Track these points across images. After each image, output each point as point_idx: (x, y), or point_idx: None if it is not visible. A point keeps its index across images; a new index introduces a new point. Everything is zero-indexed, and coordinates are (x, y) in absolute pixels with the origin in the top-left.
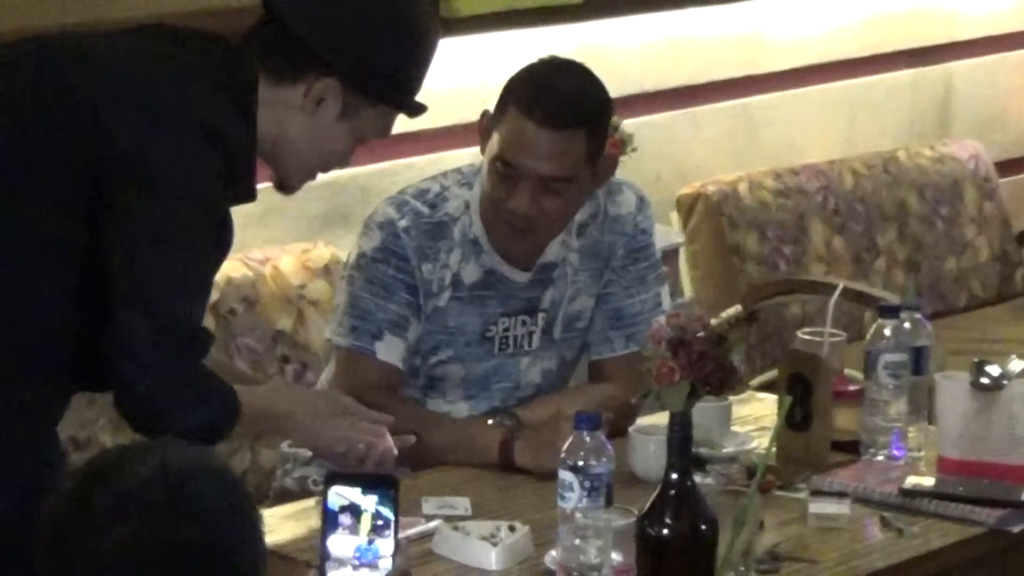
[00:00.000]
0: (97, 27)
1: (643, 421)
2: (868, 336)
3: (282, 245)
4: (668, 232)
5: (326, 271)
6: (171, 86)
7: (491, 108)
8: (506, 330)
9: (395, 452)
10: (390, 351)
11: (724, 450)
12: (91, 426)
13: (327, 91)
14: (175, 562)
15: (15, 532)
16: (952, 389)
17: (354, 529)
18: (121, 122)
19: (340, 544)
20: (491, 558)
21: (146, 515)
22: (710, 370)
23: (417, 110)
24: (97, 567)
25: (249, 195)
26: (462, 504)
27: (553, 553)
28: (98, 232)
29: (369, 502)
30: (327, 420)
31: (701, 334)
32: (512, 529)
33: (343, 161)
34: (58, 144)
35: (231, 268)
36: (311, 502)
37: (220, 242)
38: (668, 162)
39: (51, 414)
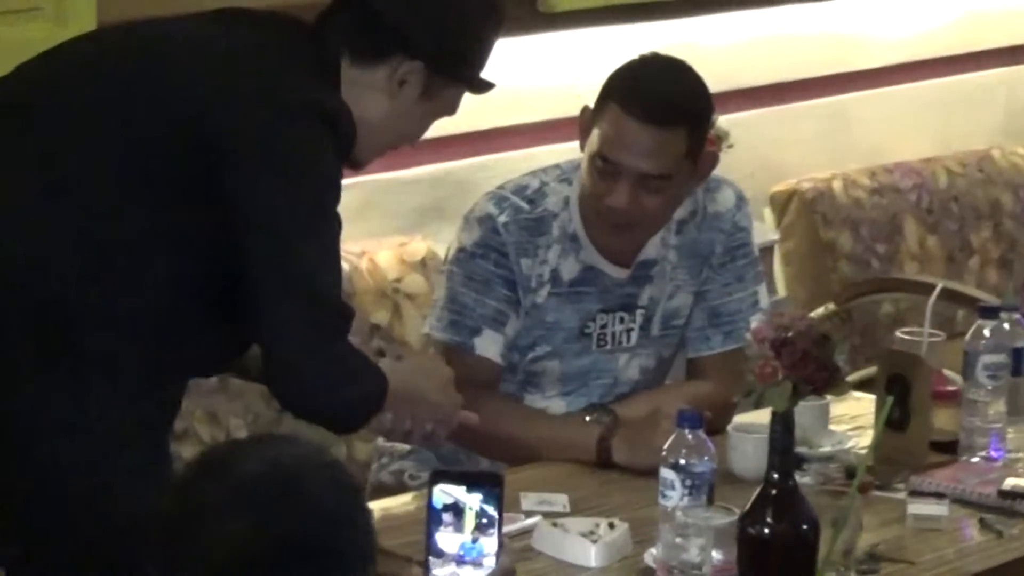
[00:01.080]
0: None
1: (741, 419)
2: (967, 337)
3: (379, 238)
4: (762, 229)
5: (422, 265)
6: (279, 74)
7: (589, 104)
8: (604, 327)
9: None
10: (488, 346)
11: (821, 449)
12: (188, 417)
13: (410, 73)
14: (286, 559)
15: (144, 519)
16: None
17: (458, 526)
18: (235, 111)
19: (445, 541)
20: (590, 555)
21: (258, 511)
22: (813, 370)
23: (486, 87)
24: (208, 562)
25: (356, 163)
26: (560, 500)
27: (653, 551)
28: (220, 224)
29: (474, 500)
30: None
31: (804, 333)
32: (611, 526)
33: (416, 139)
34: (172, 141)
35: None
36: (408, 496)
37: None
38: (762, 159)
39: (177, 408)
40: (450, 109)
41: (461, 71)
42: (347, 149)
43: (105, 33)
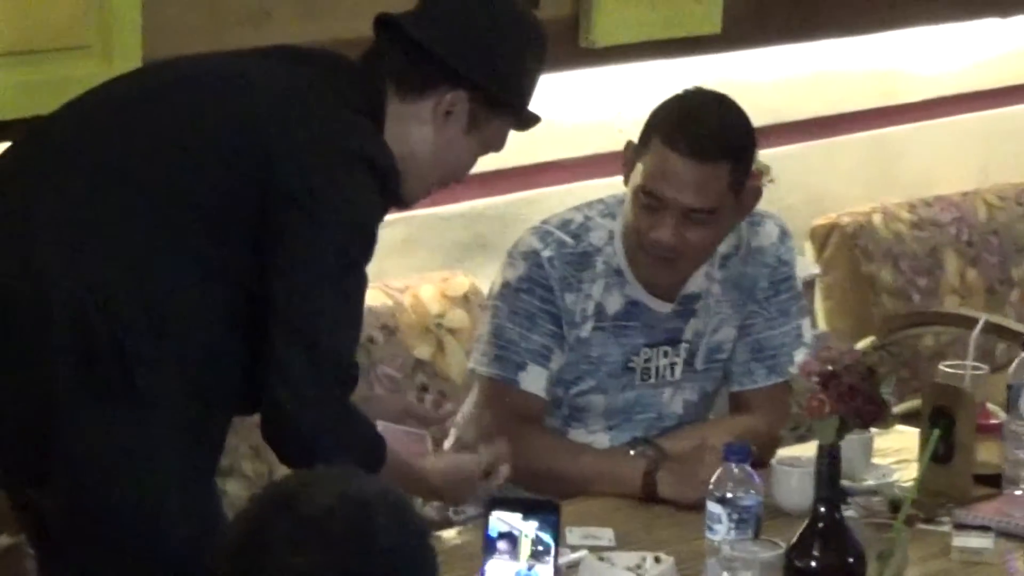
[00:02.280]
0: None
1: (784, 452)
2: (1011, 369)
3: (421, 273)
4: (803, 263)
5: (465, 300)
6: (330, 118)
7: (631, 138)
8: (648, 361)
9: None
10: (533, 381)
11: (865, 483)
12: (233, 453)
13: (456, 103)
14: None
15: (193, 559)
16: None
17: (513, 554)
18: (288, 155)
19: (500, 569)
20: None
21: (325, 546)
22: (860, 403)
23: (532, 121)
24: None
25: (401, 202)
26: (606, 535)
27: None
28: (261, 261)
29: (530, 527)
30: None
31: (851, 367)
32: (658, 560)
33: (463, 175)
34: (229, 177)
35: (371, 297)
36: (453, 531)
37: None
38: (803, 193)
39: (222, 442)
40: (497, 143)
41: (506, 101)
42: (391, 189)
43: (154, 69)
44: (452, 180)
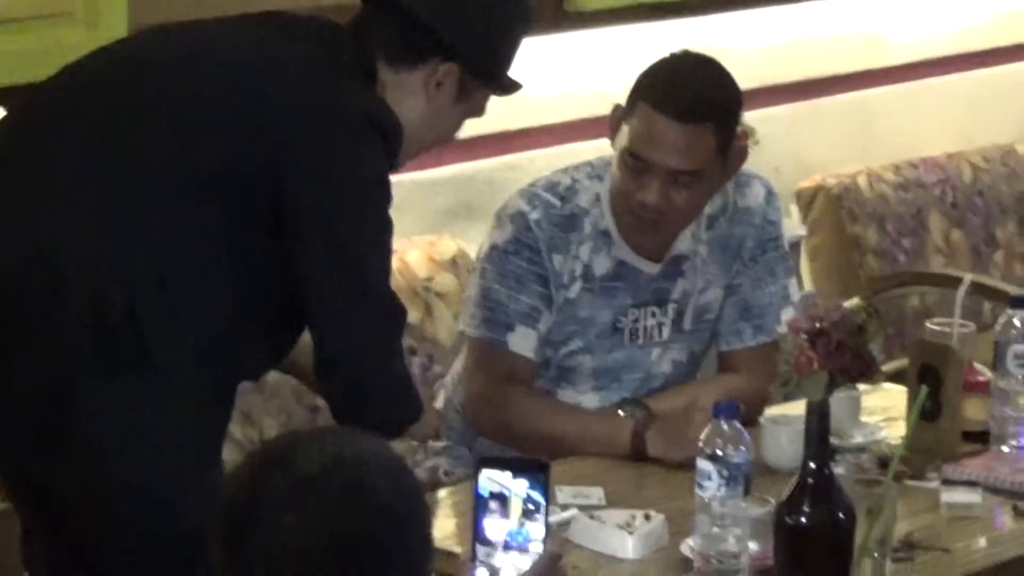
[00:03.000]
0: None
1: (772, 411)
2: (997, 327)
3: (409, 238)
4: (789, 225)
5: (453, 264)
6: (336, 86)
7: (617, 101)
8: (636, 321)
9: None
10: (522, 342)
11: (853, 440)
12: None
13: (446, 75)
14: (347, 553)
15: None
16: None
17: (504, 513)
18: (298, 130)
19: (491, 528)
20: (628, 546)
21: (321, 504)
22: (848, 359)
23: (514, 87)
24: (269, 554)
25: (394, 165)
26: (596, 493)
27: (690, 541)
28: (278, 237)
29: (520, 486)
30: None
31: (839, 324)
32: (648, 518)
33: (450, 139)
34: (237, 157)
35: None
36: (443, 492)
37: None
38: (788, 155)
39: (229, 419)
40: (480, 110)
41: (494, 72)
42: (395, 155)
43: (153, 40)
44: (438, 145)
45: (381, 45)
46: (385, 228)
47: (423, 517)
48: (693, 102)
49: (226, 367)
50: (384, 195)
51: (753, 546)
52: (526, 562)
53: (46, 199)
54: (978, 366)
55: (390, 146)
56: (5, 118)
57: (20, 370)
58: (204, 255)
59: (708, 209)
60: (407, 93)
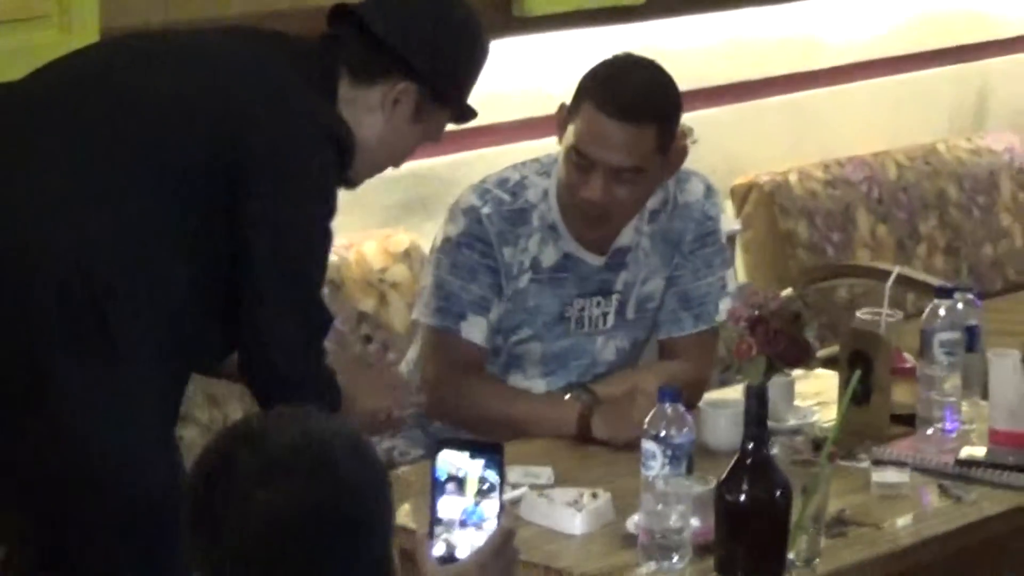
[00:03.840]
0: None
1: (712, 395)
2: (924, 316)
3: (365, 231)
4: (724, 220)
5: (406, 255)
6: (298, 97)
7: (564, 102)
8: (582, 310)
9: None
10: (474, 330)
11: (788, 423)
12: (189, 401)
13: (404, 94)
14: (315, 528)
15: (168, 504)
16: (1004, 366)
17: (460, 492)
18: (259, 131)
19: (448, 506)
20: (575, 523)
21: (291, 480)
22: (785, 346)
23: (470, 115)
24: (240, 529)
25: (350, 183)
26: (545, 473)
27: (635, 518)
28: (232, 235)
29: (476, 466)
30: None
31: (777, 312)
32: (595, 496)
33: (402, 161)
34: (201, 157)
35: None
36: (398, 471)
37: None
38: (723, 154)
39: (183, 395)
40: (435, 134)
41: (451, 95)
42: (347, 170)
43: (126, 44)
44: (392, 165)
45: (344, 61)
46: (324, 239)
47: (387, 491)
48: (635, 102)
49: (183, 355)
50: (329, 207)
51: (695, 522)
52: (481, 538)
53: (19, 189)
54: (905, 353)
55: (343, 160)
56: None
57: None
58: (166, 248)
59: (650, 204)
60: (365, 110)
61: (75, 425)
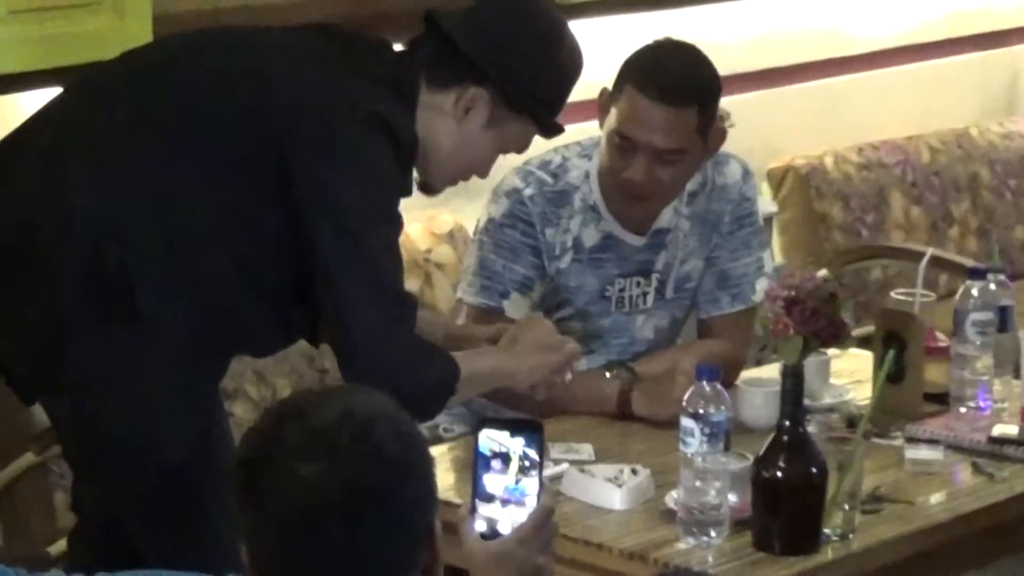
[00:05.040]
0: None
1: (749, 374)
2: (957, 296)
3: (410, 212)
4: (761, 202)
5: (451, 237)
6: (347, 81)
7: (606, 86)
8: (622, 290)
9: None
10: (517, 309)
11: (824, 401)
12: (239, 378)
13: (476, 99)
14: (356, 502)
15: (185, 470)
16: None
17: (502, 470)
18: (300, 111)
19: (490, 483)
20: (615, 498)
21: (331, 455)
22: (822, 325)
23: (554, 130)
24: (284, 501)
25: (408, 189)
26: (586, 449)
27: (673, 494)
28: (282, 217)
29: (517, 444)
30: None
31: (813, 292)
32: (635, 472)
33: (484, 170)
34: (250, 136)
35: None
36: (444, 447)
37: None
38: (760, 138)
39: (222, 373)
40: (516, 144)
41: (525, 103)
42: (407, 158)
43: (195, 36)
44: (473, 173)
45: (423, 66)
46: (386, 216)
47: (427, 467)
48: (676, 85)
49: (220, 333)
50: (387, 188)
51: (732, 498)
52: (522, 515)
53: (75, 163)
54: (938, 333)
55: (401, 153)
56: (63, 92)
57: (30, 311)
58: (211, 224)
59: (689, 186)
60: (439, 114)
61: (90, 385)
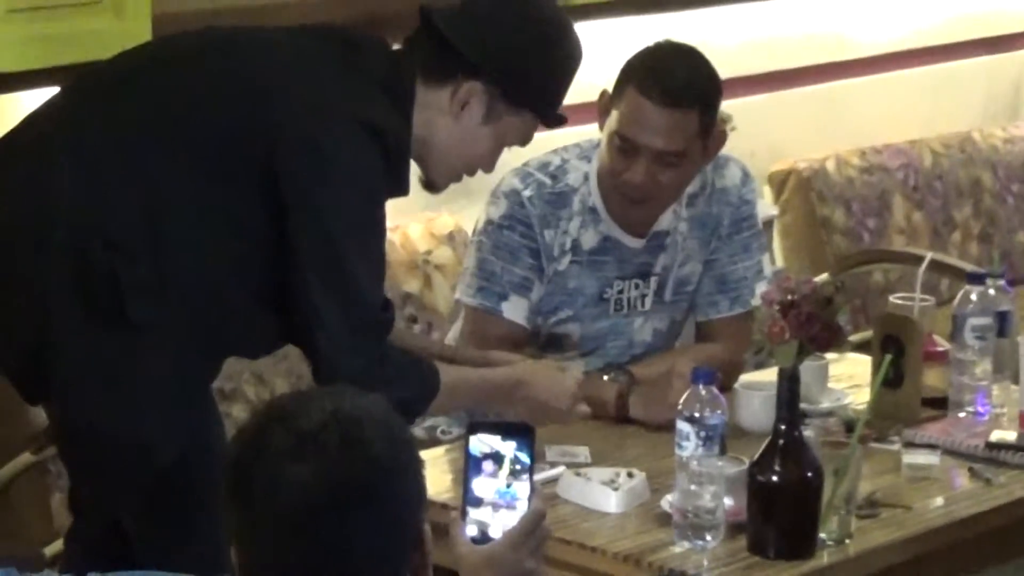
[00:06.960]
0: (246, 10)
1: (746, 378)
2: (956, 301)
3: (410, 214)
4: (762, 205)
5: (450, 238)
6: (336, 85)
7: (607, 88)
8: (620, 292)
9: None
10: (515, 310)
11: (821, 405)
12: (236, 379)
13: (471, 94)
14: (345, 502)
15: (177, 474)
16: None
17: (494, 473)
18: (290, 117)
19: (481, 487)
20: (611, 502)
21: (320, 456)
22: (818, 330)
23: (556, 121)
24: (272, 502)
25: (403, 190)
26: (582, 452)
27: (669, 497)
28: (271, 219)
29: (508, 448)
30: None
31: (809, 296)
32: (631, 475)
33: (487, 165)
34: (239, 133)
35: None
36: (440, 450)
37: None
38: (762, 140)
39: (215, 374)
40: (519, 136)
41: (521, 95)
42: (400, 163)
43: (190, 36)
44: (475, 169)
45: (419, 64)
46: (368, 224)
47: (416, 468)
48: (677, 88)
49: (216, 334)
50: (371, 195)
51: (728, 502)
52: (513, 519)
53: (63, 166)
54: (937, 338)
55: (392, 158)
56: (56, 94)
57: (12, 317)
58: (201, 227)
59: (689, 189)
60: (437, 111)
61: (79, 390)
